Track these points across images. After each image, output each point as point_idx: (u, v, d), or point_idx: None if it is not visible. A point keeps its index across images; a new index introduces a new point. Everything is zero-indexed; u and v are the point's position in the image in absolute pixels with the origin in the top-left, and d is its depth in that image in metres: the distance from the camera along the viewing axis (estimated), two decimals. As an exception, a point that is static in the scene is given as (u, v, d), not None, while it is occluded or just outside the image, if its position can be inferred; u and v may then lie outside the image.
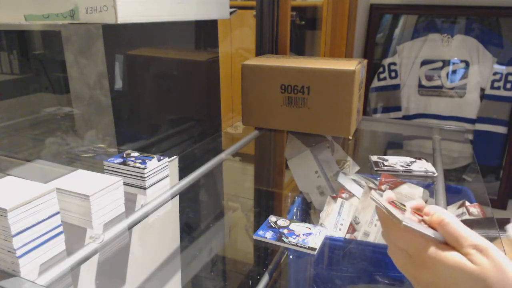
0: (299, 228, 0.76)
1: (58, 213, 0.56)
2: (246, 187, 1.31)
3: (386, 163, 0.99)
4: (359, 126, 1.15)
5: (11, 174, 0.70)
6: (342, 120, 1.01)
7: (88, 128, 1.08)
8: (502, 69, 1.76)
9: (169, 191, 0.77)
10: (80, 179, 0.67)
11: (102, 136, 1.07)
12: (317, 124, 1.05)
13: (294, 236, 0.73)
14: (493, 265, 0.37)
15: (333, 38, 1.85)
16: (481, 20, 1.78)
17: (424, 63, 1.88)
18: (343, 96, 0.99)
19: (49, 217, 0.54)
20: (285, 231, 0.75)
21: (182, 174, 0.85)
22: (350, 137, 1.04)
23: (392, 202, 0.44)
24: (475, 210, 0.89)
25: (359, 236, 0.86)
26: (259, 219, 0.95)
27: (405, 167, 0.97)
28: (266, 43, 1.28)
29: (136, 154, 0.80)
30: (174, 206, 0.83)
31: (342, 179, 1.00)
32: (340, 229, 0.88)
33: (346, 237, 0.86)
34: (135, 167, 0.74)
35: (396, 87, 1.93)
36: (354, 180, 1.01)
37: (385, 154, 1.06)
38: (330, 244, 0.83)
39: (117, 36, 1.06)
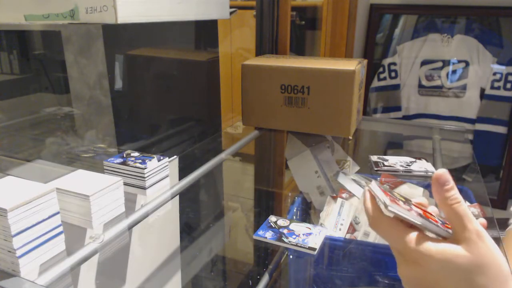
0: (299, 228, 0.76)
1: (58, 213, 0.56)
2: (246, 187, 1.30)
3: (386, 163, 0.99)
4: (359, 126, 1.15)
5: (11, 174, 0.70)
6: (342, 120, 1.01)
7: (88, 128, 1.08)
8: (502, 69, 1.76)
9: (169, 191, 0.77)
10: (80, 179, 0.67)
11: (102, 136, 1.07)
12: (317, 124, 1.05)
13: (294, 236, 0.73)
14: (490, 253, 0.38)
15: (333, 38, 1.85)
16: (481, 20, 1.78)
17: (424, 63, 1.87)
18: (343, 96, 0.99)
19: (49, 217, 0.54)
20: (285, 231, 0.75)
21: (182, 174, 0.85)
22: (350, 137, 1.04)
23: (388, 193, 0.43)
24: (475, 210, 0.89)
25: (359, 236, 0.86)
26: (259, 219, 0.95)
27: (405, 167, 0.97)
28: (266, 43, 1.28)
29: (136, 154, 0.80)
30: (174, 206, 0.83)
31: (342, 179, 1.00)
32: (340, 229, 0.88)
33: (346, 237, 0.86)
34: (135, 167, 0.74)
35: (396, 87, 1.93)
36: (354, 180, 1.01)
37: (385, 154, 1.06)
38: (330, 244, 0.83)
39: (117, 36, 1.06)
